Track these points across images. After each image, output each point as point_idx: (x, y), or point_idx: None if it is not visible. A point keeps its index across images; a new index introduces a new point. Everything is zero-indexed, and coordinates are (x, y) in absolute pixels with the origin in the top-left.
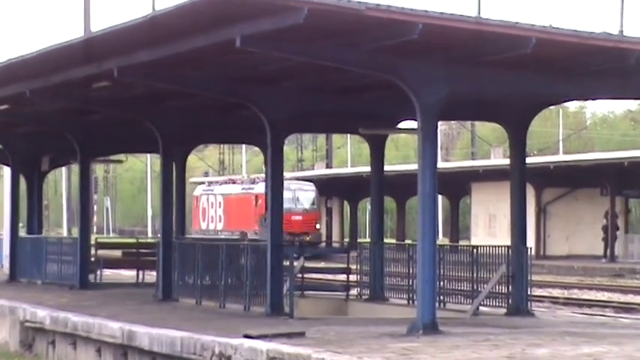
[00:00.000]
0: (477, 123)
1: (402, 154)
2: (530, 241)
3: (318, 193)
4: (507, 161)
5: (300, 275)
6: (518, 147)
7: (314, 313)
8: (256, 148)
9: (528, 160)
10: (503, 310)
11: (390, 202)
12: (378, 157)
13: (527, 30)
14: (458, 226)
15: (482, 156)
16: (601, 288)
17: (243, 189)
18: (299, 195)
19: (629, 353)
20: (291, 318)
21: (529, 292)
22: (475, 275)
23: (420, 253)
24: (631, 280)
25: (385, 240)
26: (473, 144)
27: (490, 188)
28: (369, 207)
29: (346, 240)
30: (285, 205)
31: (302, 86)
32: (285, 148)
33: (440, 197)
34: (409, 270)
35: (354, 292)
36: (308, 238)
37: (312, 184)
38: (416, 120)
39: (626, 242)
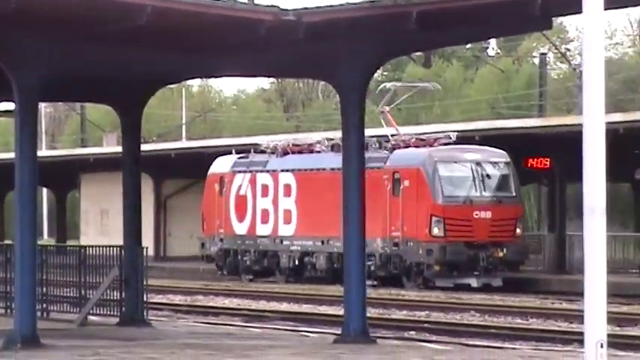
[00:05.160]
0: (88, 105)
1: (0, 141)
2: (149, 241)
3: (515, 169)
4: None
5: None
6: (131, 132)
7: None
8: None
9: (146, 147)
10: (116, 320)
11: None
12: None
13: None
14: (65, 224)
15: (94, 143)
16: (229, 293)
17: None
18: (485, 171)
19: None
20: None
21: (145, 299)
22: (83, 280)
23: (18, 255)
24: (264, 284)
25: None
26: (83, 129)
27: (102, 180)
28: None
29: None
30: (458, 192)
31: None
32: None
33: (44, 190)
34: (7, 274)
35: None
36: (502, 254)
37: (504, 153)
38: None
39: None
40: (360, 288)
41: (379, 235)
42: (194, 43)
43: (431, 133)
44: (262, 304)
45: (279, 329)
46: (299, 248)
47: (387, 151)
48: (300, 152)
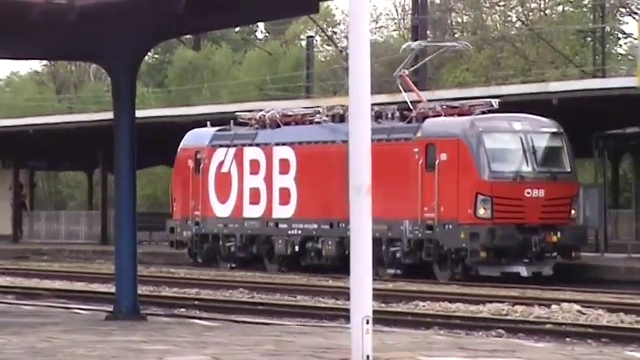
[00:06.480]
0: None
1: None
2: None
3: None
4: None
5: None
6: None
7: None
8: None
9: None
10: None
11: None
12: None
13: None
14: None
15: None
16: (2, 272)
17: (377, 129)
18: (536, 142)
19: (32, 344)
20: None
21: None
22: None
23: None
24: (37, 262)
25: None
26: None
27: None
28: None
29: None
30: (508, 167)
31: None
32: None
33: None
34: None
35: None
36: (555, 239)
37: (555, 122)
38: None
39: (32, 220)
40: (131, 266)
41: (408, 217)
42: None
43: (466, 99)
44: (35, 282)
45: (51, 307)
46: (300, 232)
47: (414, 122)
48: (288, 123)
